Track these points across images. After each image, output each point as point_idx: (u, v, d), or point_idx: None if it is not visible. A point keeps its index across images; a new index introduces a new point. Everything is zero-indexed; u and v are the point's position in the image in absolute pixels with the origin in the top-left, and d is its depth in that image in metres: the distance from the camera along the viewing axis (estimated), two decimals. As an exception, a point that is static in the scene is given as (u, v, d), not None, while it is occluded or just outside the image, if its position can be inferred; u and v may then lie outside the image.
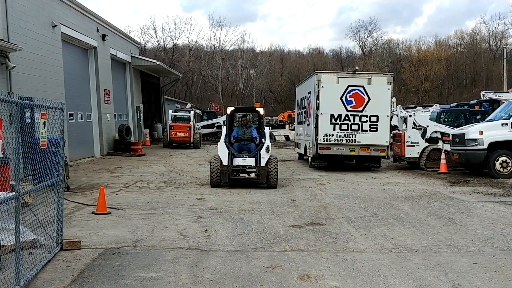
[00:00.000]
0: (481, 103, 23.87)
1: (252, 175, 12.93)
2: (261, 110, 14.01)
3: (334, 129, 17.34)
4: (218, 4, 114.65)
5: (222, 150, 13.18)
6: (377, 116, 17.26)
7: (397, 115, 20.64)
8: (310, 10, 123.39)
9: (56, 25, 18.50)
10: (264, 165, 12.89)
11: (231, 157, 12.96)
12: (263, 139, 13.50)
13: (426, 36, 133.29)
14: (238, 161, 13.01)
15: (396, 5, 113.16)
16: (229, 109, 14.28)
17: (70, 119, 19.91)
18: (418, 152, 18.09)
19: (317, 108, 17.40)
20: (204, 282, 5.63)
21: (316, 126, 17.42)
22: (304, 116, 20.07)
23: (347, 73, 18.72)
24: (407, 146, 18.15)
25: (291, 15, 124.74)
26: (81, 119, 21.97)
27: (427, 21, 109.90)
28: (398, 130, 19.62)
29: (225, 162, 12.95)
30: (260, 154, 13.01)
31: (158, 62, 32.71)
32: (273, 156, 13.42)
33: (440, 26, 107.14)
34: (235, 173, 12.99)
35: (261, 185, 13.09)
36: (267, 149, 13.08)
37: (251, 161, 12.99)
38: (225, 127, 14.12)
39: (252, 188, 13.01)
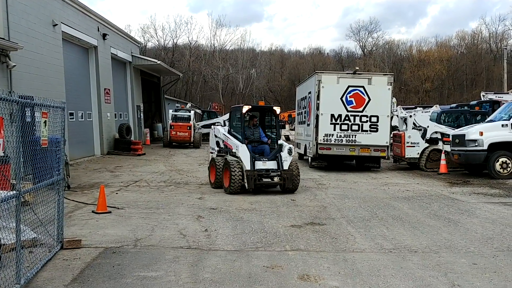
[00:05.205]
0: (481, 104, 23.84)
1: (276, 179, 12.05)
2: (277, 109, 13.11)
3: (334, 129, 17.34)
4: (225, 5, 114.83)
5: (243, 153, 12.13)
6: (377, 117, 17.26)
7: (397, 116, 20.66)
8: (316, 11, 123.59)
9: (57, 24, 18.51)
10: (287, 168, 12.13)
11: (253, 160, 12.03)
12: (279, 141, 12.77)
13: (428, 37, 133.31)
14: (258, 164, 12.07)
15: (401, 6, 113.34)
16: (245, 108, 12.83)
17: (70, 118, 19.93)
18: (418, 153, 18.08)
19: (318, 108, 17.40)
20: (204, 281, 5.64)
21: (317, 126, 17.43)
22: (305, 116, 20.08)
23: (347, 73, 18.73)
24: (407, 146, 18.15)
25: (297, 15, 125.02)
26: (82, 118, 21.99)
27: (431, 22, 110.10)
28: (398, 130, 19.62)
29: (247, 166, 11.93)
30: (281, 157, 12.21)
31: (158, 62, 32.75)
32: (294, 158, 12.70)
33: (444, 27, 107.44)
34: (259, 178, 11.99)
35: (288, 190, 12.13)
36: (290, 151, 12.28)
37: (271, 164, 12.16)
38: (227, 126, 13.18)
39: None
